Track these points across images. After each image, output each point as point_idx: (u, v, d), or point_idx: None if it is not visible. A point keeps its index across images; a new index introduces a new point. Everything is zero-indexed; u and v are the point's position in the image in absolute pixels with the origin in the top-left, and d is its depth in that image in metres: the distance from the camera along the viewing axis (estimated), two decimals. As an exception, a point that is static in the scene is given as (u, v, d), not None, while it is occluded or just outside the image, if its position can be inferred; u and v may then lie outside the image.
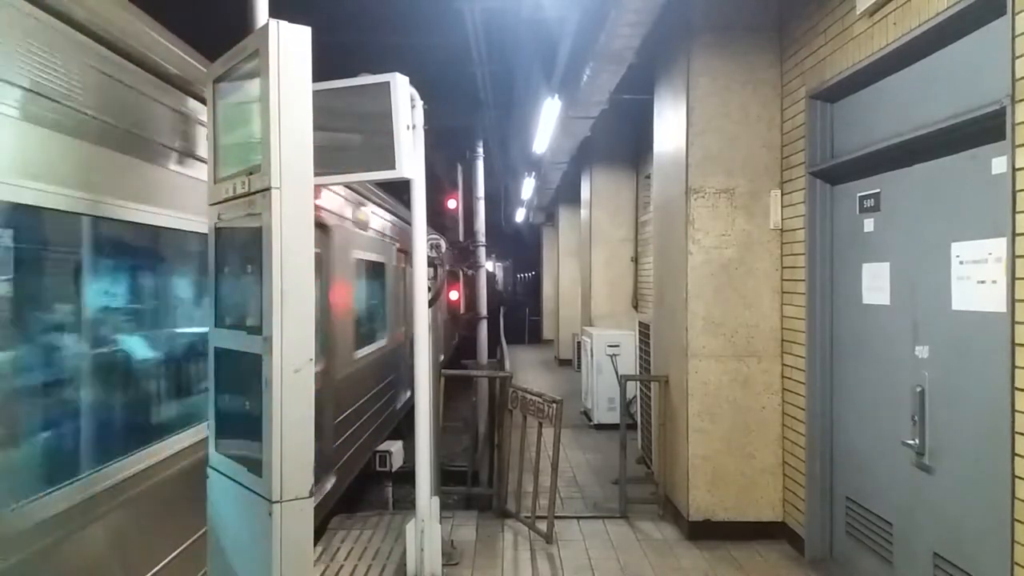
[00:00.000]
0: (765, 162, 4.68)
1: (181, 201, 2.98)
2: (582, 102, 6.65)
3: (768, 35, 4.66)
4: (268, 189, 2.26)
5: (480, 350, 11.40)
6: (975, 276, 2.89)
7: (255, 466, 2.34)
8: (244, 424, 2.48)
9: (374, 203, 7.32)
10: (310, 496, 2.31)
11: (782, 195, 4.64)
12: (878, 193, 3.69)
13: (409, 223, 3.83)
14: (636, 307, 10.20)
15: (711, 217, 4.70)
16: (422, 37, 8.34)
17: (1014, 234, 2.54)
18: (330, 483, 5.23)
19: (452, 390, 6.72)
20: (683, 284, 4.76)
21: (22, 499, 2.07)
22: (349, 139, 3.55)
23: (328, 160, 3.31)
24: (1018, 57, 2.52)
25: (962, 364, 3.00)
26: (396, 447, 6.75)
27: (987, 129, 2.76)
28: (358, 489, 6.80)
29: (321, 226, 5.21)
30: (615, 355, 8.29)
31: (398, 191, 7.74)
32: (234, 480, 2.52)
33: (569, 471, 6.51)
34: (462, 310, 14.28)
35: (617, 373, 7.85)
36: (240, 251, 2.63)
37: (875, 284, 3.70)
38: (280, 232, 2.25)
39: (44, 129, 2.18)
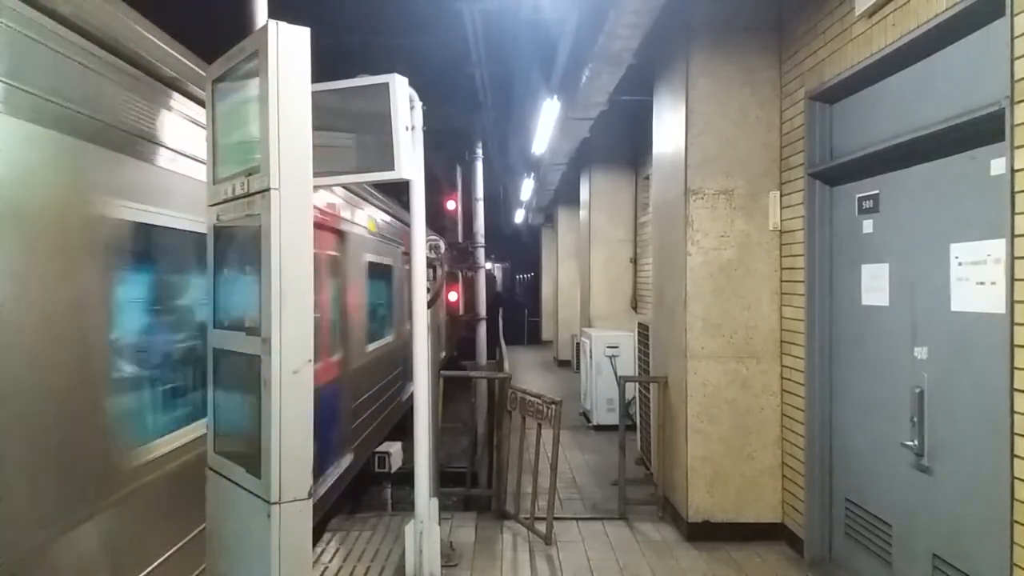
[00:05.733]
0: (764, 163, 4.68)
1: None
2: (581, 103, 6.65)
3: (767, 36, 4.66)
4: (267, 190, 2.26)
5: (479, 351, 11.40)
6: (974, 277, 2.89)
7: (254, 467, 2.34)
8: (243, 425, 2.48)
9: None
10: (309, 497, 2.31)
11: (781, 196, 4.64)
12: (877, 194, 3.69)
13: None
14: (635, 308, 10.20)
15: (710, 218, 4.70)
16: (421, 38, 8.34)
17: (1013, 235, 2.55)
18: None
19: (451, 391, 6.72)
20: (682, 285, 4.76)
21: None
22: (348, 140, 3.55)
23: (327, 161, 3.31)
24: (1017, 58, 2.53)
25: (961, 365, 3.00)
26: (395, 448, 6.74)
27: (986, 130, 2.76)
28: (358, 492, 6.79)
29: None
30: (614, 356, 8.29)
31: (394, 190, 7.71)
32: (233, 481, 2.52)
33: (568, 472, 6.50)
34: (461, 311, 14.27)
35: (616, 374, 7.85)
36: (239, 252, 2.62)
37: (874, 285, 3.70)
38: (279, 233, 2.25)
39: None
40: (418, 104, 3.58)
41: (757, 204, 4.69)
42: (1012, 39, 2.54)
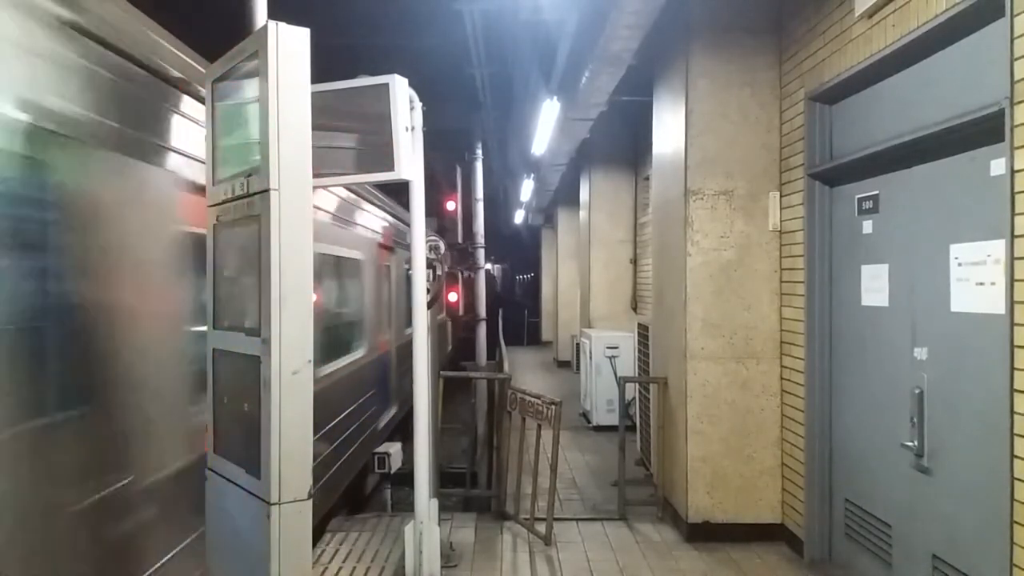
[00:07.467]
0: (764, 164, 4.68)
1: None
2: (581, 104, 6.65)
3: (767, 37, 4.66)
4: (267, 191, 2.26)
5: (479, 352, 11.41)
6: (974, 278, 2.89)
7: (254, 468, 2.34)
8: (243, 426, 2.48)
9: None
10: (308, 498, 2.31)
11: (781, 197, 4.64)
12: (877, 195, 3.69)
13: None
14: (635, 309, 10.20)
15: (710, 219, 4.70)
16: (421, 39, 8.35)
17: (1013, 236, 2.55)
18: None
19: (451, 392, 6.71)
20: (682, 286, 4.76)
21: None
22: (348, 140, 3.55)
23: (327, 162, 3.31)
24: (1017, 59, 2.53)
25: (961, 366, 3.00)
26: (395, 449, 6.74)
27: (986, 131, 2.77)
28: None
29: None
30: (614, 357, 8.28)
31: (395, 191, 7.69)
32: (232, 482, 2.52)
33: (568, 473, 6.50)
34: (460, 312, 14.27)
35: (616, 375, 7.85)
36: (239, 253, 2.62)
37: (874, 286, 3.70)
38: (279, 234, 2.25)
39: None
40: (418, 105, 3.58)
41: (757, 205, 4.69)
42: (1012, 39, 2.54)
